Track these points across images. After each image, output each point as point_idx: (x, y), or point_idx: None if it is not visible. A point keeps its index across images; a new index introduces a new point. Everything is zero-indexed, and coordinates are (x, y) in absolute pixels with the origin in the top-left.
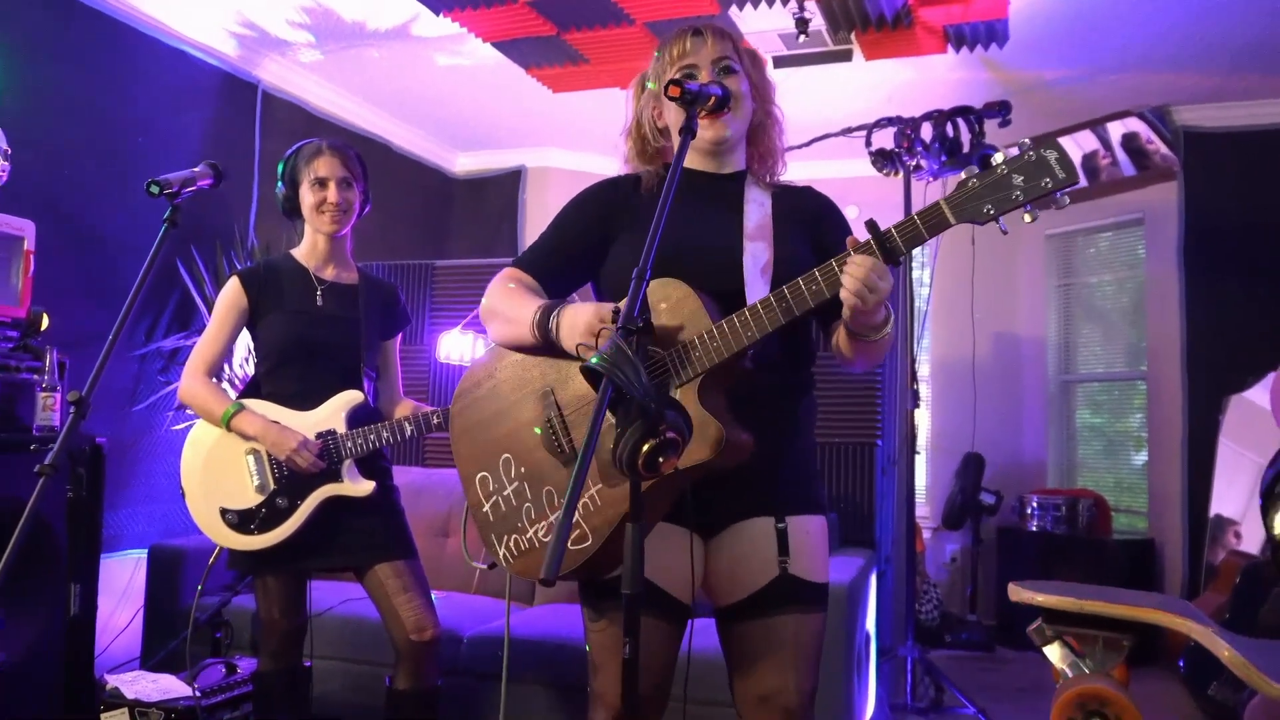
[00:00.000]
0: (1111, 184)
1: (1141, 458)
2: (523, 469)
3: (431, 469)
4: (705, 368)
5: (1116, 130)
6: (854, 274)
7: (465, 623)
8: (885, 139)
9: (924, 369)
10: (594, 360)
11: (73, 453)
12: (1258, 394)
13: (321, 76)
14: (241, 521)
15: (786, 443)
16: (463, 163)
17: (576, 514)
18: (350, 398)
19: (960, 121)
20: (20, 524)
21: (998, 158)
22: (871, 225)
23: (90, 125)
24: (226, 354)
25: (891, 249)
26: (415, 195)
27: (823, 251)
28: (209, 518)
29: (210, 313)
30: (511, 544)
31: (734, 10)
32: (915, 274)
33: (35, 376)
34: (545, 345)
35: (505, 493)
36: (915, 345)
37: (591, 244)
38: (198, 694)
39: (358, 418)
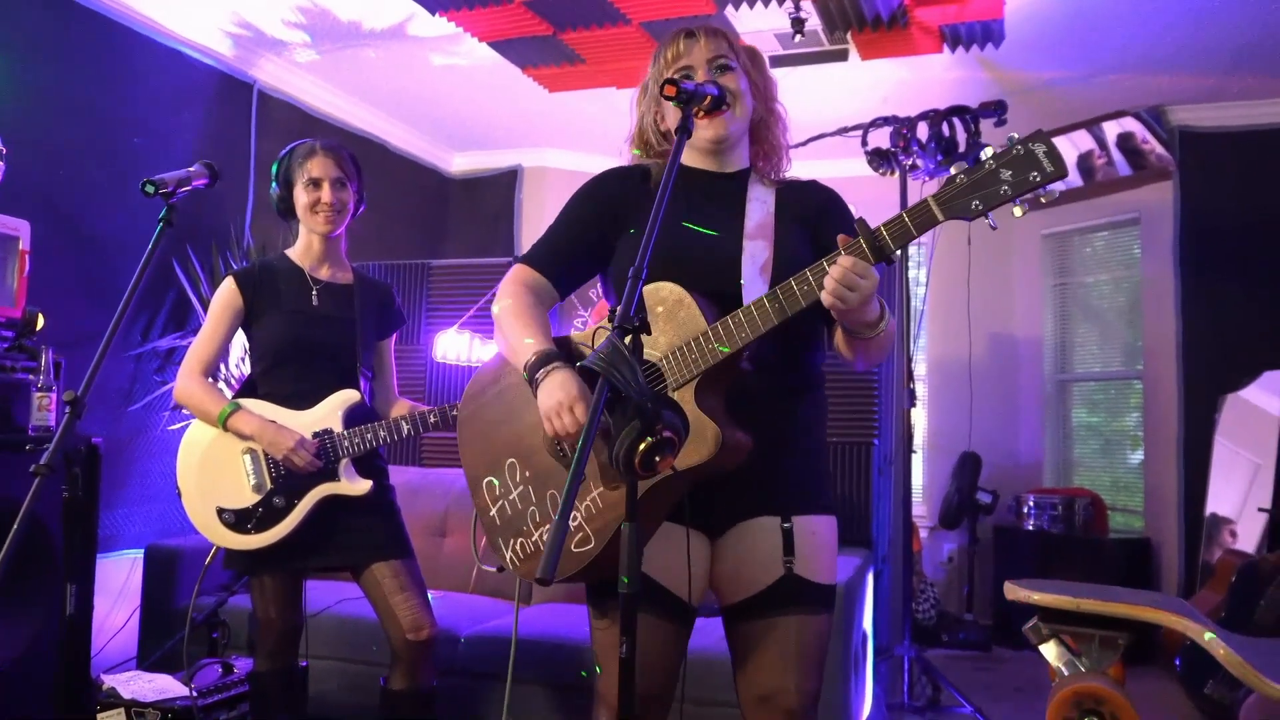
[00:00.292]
0: (1107, 184)
1: (1137, 457)
2: (528, 473)
3: (428, 469)
4: (701, 369)
5: (1112, 130)
6: (832, 274)
7: (463, 622)
8: (881, 139)
9: (920, 368)
10: (591, 360)
11: (68, 453)
12: (1253, 393)
13: (317, 76)
14: (238, 521)
15: (790, 442)
16: (459, 163)
17: (578, 517)
18: (347, 397)
19: (956, 121)
20: (16, 524)
21: (986, 153)
22: (861, 224)
23: (86, 125)
24: (222, 354)
25: (881, 247)
26: (411, 195)
27: (821, 247)
28: (205, 517)
29: (206, 313)
30: (517, 547)
31: (730, 10)
32: (911, 274)
33: (31, 376)
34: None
35: (511, 496)
36: (912, 345)
37: (599, 237)
38: (194, 694)
39: (354, 417)
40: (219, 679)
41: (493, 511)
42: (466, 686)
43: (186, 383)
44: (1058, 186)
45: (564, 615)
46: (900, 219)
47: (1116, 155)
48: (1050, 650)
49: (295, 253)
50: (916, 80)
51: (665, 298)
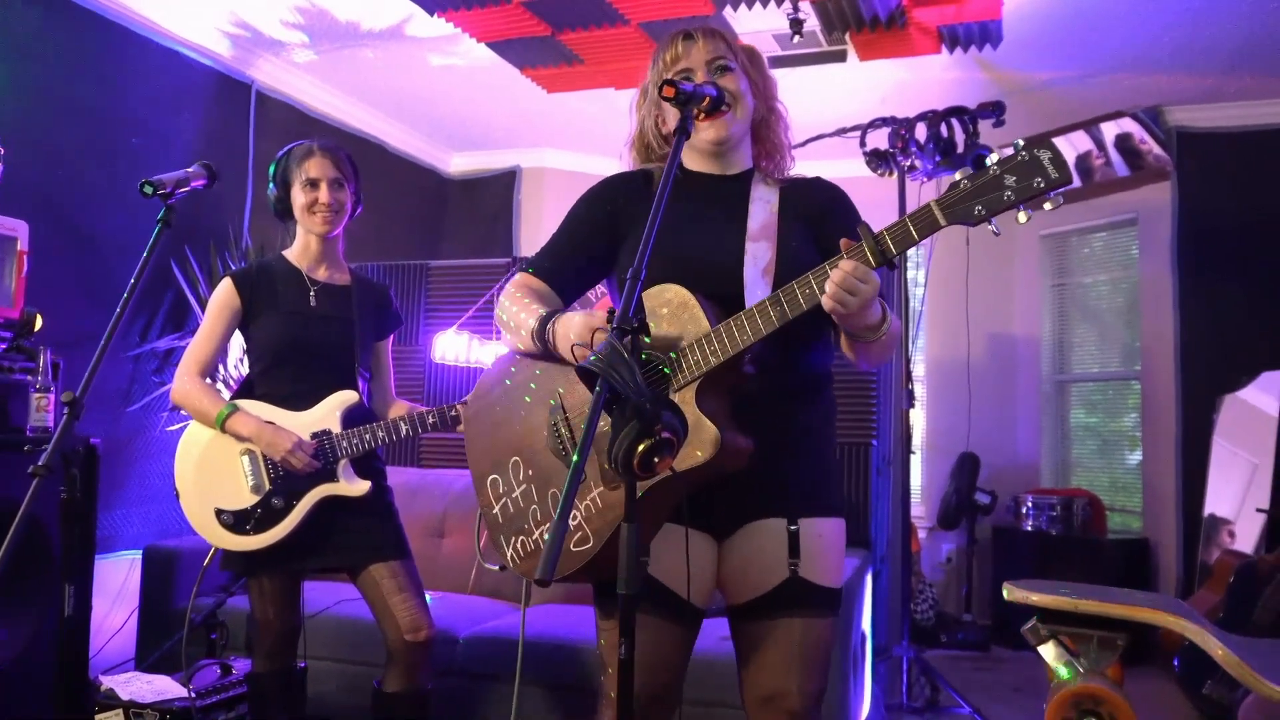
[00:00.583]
0: (1105, 184)
1: (1136, 457)
2: (530, 471)
3: (427, 470)
4: (702, 371)
5: (1110, 131)
6: (833, 278)
7: (461, 623)
8: (880, 139)
9: (919, 369)
10: (589, 360)
11: (67, 454)
12: (1251, 393)
13: (316, 77)
14: (237, 522)
15: (795, 444)
16: (457, 163)
17: (578, 516)
18: (345, 398)
19: (954, 122)
20: (14, 525)
21: (991, 158)
22: (863, 228)
23: (84, 125)
24: (220, 355)
25: (883, 251)
26: (410, 196)
27: (825, 247)
28: (204, 518)
29: (204, 313)
30: (518, 545)
31: (728, 11)
32: (910, 274)
33: (29, 377)
34: (545, 353)
35: (514, 495)
36: (910, 345)
37: (603, 243)
38: (193, 695)
39: (353, 418)
40: (217, 680)
41: (495, 509)
42: (465, 687)
43: (184, 384)
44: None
45: (563, 616)
46: (903, 223)
47: (1114, 156)
48: (1048, 651)
49: (293, 253)
50: (915, 81)
51: (670, 300)
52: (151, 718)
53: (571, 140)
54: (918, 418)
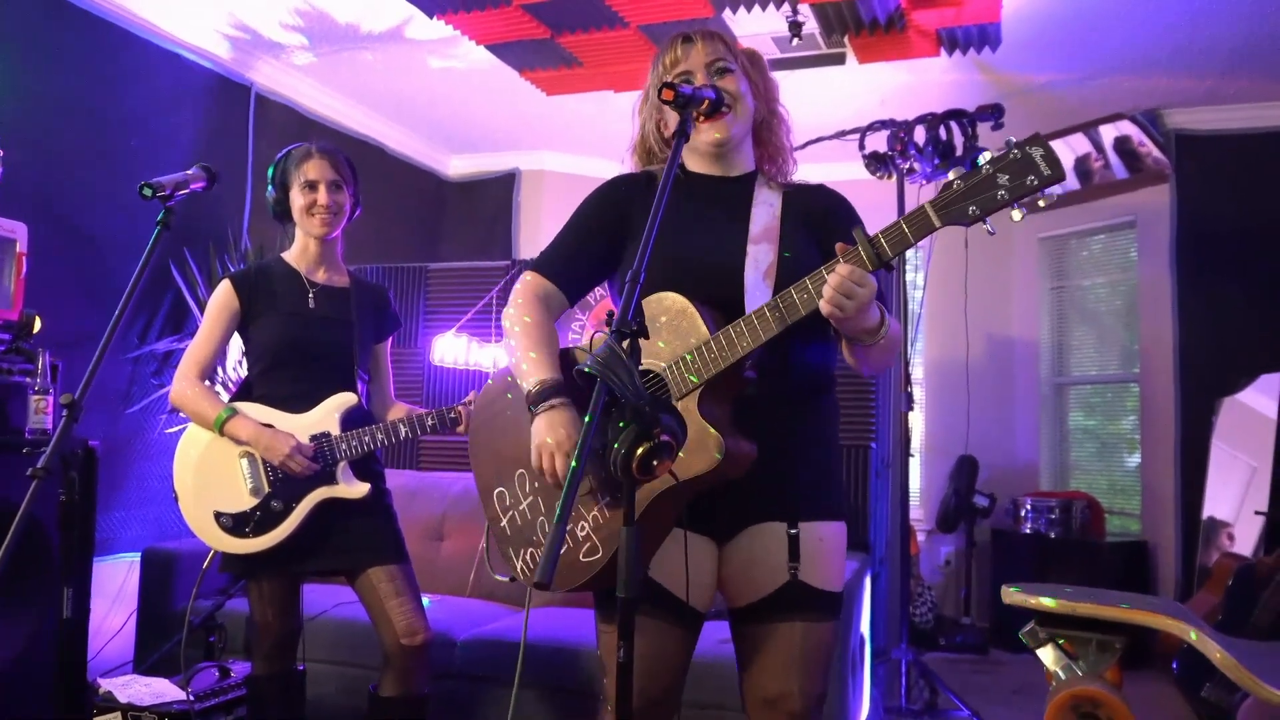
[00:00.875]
0: (1104, 187)
1: (1134, 460)
2: (536, 484)
3: (426, 472)
4: (704, 379)
5: (1109, 133)
6: (830, 282)
7: (459, 626)
8: (878, 142)
9: (918, 372)
10: (588, 363)
11: (65, 456)
12: (1250, 396)
13: (315, 79)
14: (236, 525)
15: (796, 448)
16: (456, 165)
17: (586, 527)
18: (344, 400)
19: (953, 124)
20: (13, 527)
21: (984, 157)
22: (858, 232)
23: (84, 127)
24: (219, 357)
25: (879, 254)
26: (409, 198)
27: (829, 253)
28: (203, 521)
29: (203, 315)
30: (528, 557)
31: (727, 13)
32: (909, 277)
33: (28, 379)
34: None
35: (521, 507)
36: (909, 348)
37: (607, 243)
38: (191, 698)
39: (352, 420)
40: (216, 683)
41: (503, 522)
42: (463, 690)
43: (182, 386)
44: (1055, 190)
45: (562, 619)
46: (898, 226)
47: (1113, 158)
48: (1047, 654)
49: (291, 255)
50: (913, 83)
51: (669, 307)
52: None
53: (570, 143)
54: (916, 420)
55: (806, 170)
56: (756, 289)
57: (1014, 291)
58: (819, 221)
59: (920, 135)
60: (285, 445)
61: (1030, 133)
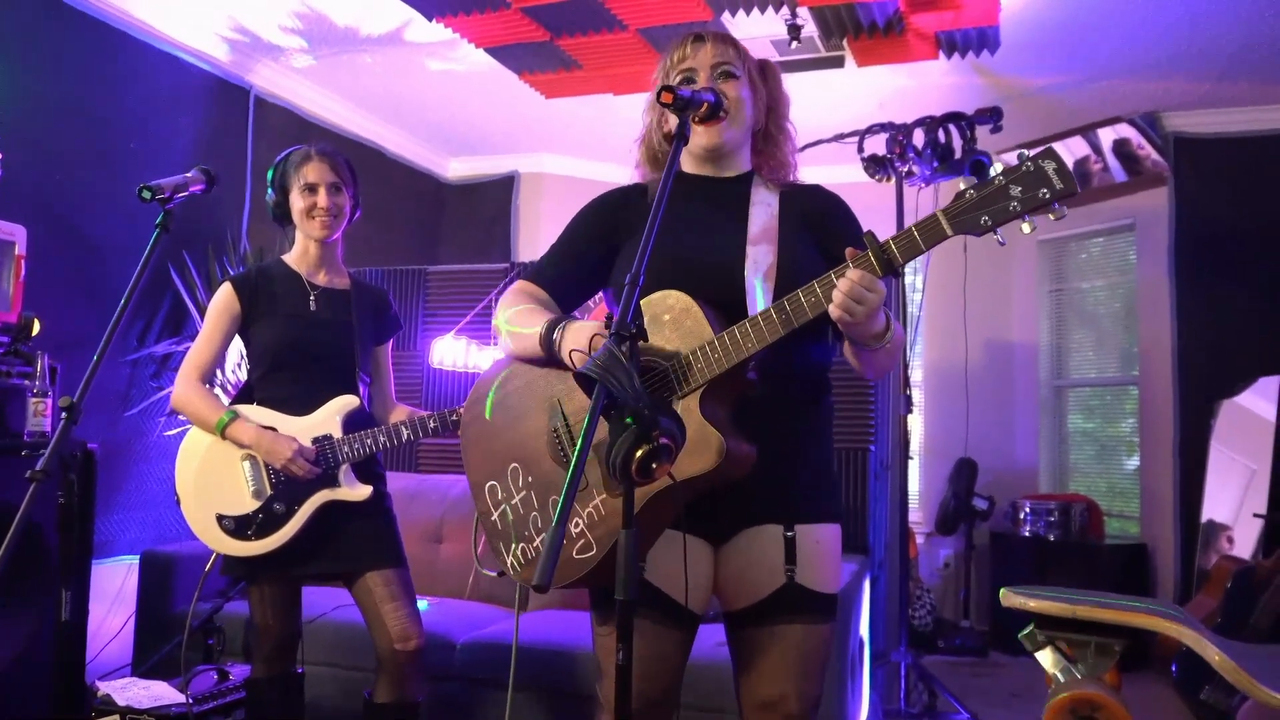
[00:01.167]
0: (1103, 189)
1: (1133, 462)
2: (530, 478)
3: (425, 475)
4: (706, 379)
5: (1107, 136)
6: (840, 287)
7: (458, 629)
8: (877, 145)
9: (917, 374)
10: (587, 365)
11: (64, 458)
12: (1248, 399)
13: (314, 81)
14: (238, 527)
15: (795, 450)
16: (456, 168)
17: (580, 524)
18: (346, 402)
19: (952, 127)
20: (12, 530)
21: (995, 168)
22: (869, 237)
23: (83, 130)
24: (220, 359)
25: (889, 260)
26: (408, 201)
27: (829, 253)
28: (205, 524)
29: (202, 318)
30: (519, 552)
31: (726, 16)
32: (908, 280)
33: (26, 382)
34: (550, 359)
35: (513, 501)
36: (909, 351)
37: (600, 253)
38: (190, 701)
39: (353, 422)
40: (214, 685)
41: (494, 516)
42: (462, 693)
43: (184, 389)
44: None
45: (561, 622)
46: (909, 233)
47: (1112, 161)
48: (1046, 656)
49: (292, 258)
50: (912, 86)
51: (672, 306)
52: None
53: (570, 145)
54: (915, 423)
55: (805, 173)
56: (756, 290)
57: (1013, 294)
58: (816, 223)
59: (919, 138)
60: (287, 449)
61: (1029, 135)
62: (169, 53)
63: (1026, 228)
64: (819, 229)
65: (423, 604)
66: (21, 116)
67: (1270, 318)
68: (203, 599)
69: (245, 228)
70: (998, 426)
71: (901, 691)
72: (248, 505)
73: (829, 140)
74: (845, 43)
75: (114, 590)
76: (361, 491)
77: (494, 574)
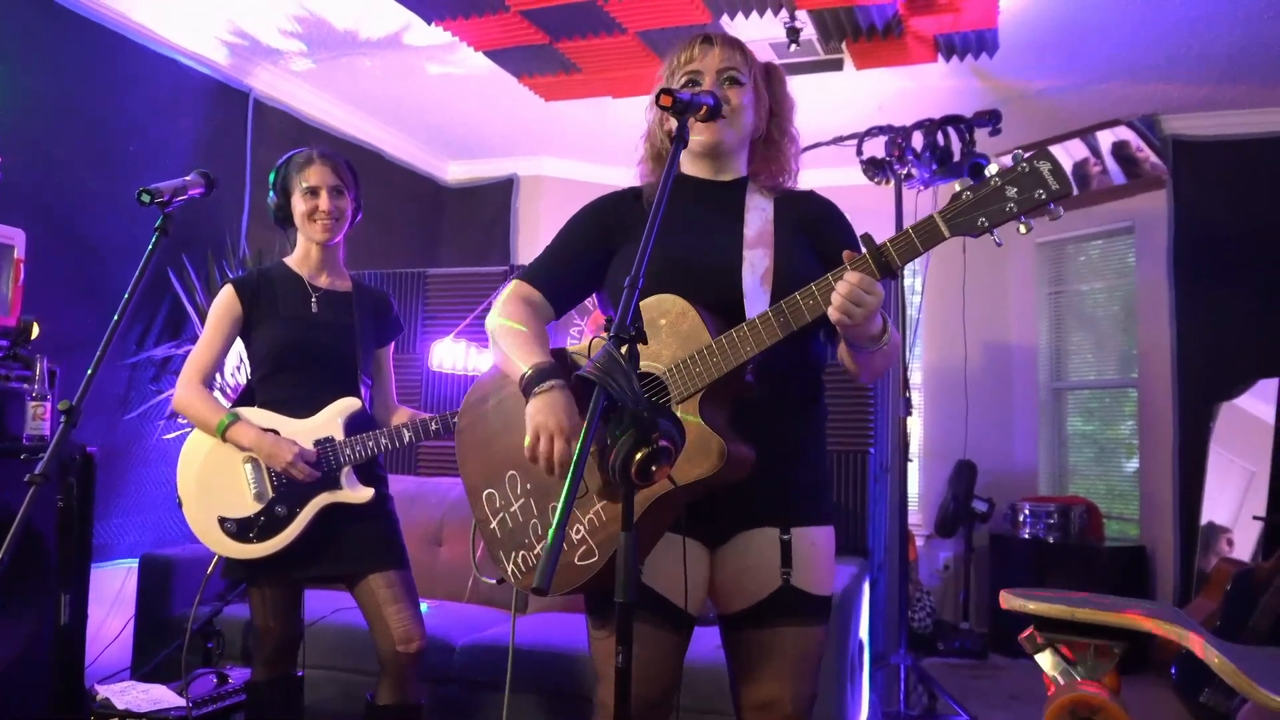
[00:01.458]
0: (1102, 192)
1: (1133, 464)
2: (528, 485)
3: (425, 478)
4: (705, 383)
5: (1106, 139)
6: (839, 290)
7: (458, 631)
8: (876, 148)
9: (916, 377)
10: (587, 368)
11: (63, 462)
12: (1248, 401)
13: (313, 85)
14: (240, 530)
15: (792, 453)
16: (455, 171)
17: (581, 530)
18: (347, 405)
19: (951, 130)
20: (11, 533)
21: (991, 169)
22: (866, 239)
23: (82, 133)
24: (221, 362)
25: (886, 262)
26: (407, 204)
27: (825, 258)
28: (206, 526)
29: (201, 321)
30: (519, 560)
31: (725, 19)
32: (907, 282)
33: (26, 385)
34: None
35: (512, 509)
36: (907, 353)
37: (595, 256)
38: (189, 704)
39: (355, 425)
40: (214, 689)
41: (493, 524)
42: (462, 696)
43: (185, 392)
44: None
45: (561, 624)
46: (907, 235)
47: (1111, 164)
48: (1046, 659)
49: (294, 260)
50: (911, 89)
51: (668, 310)
52: None
53: (569, 148)
54: (915, 425)
55: (805, 176)
56: (755, 293)
57: (1012, 296)
58: (811, 227)
59: (918, 141)
60: (288, 452)
61: (1028, 138)
62: (168, 56)
63: (1023, 229)
64: (814, 234)
65: (422, 607)
66: (21, 120)
67: (1269, 320)
68: (202, 602)
69: (244, 231)
70: (997, 429)
71: (901, 694)
72: (249, 508)
73: (828, 143)
74: (844, 45)
75: (113, 593)
76: (363, 494)
77: (493, 581)
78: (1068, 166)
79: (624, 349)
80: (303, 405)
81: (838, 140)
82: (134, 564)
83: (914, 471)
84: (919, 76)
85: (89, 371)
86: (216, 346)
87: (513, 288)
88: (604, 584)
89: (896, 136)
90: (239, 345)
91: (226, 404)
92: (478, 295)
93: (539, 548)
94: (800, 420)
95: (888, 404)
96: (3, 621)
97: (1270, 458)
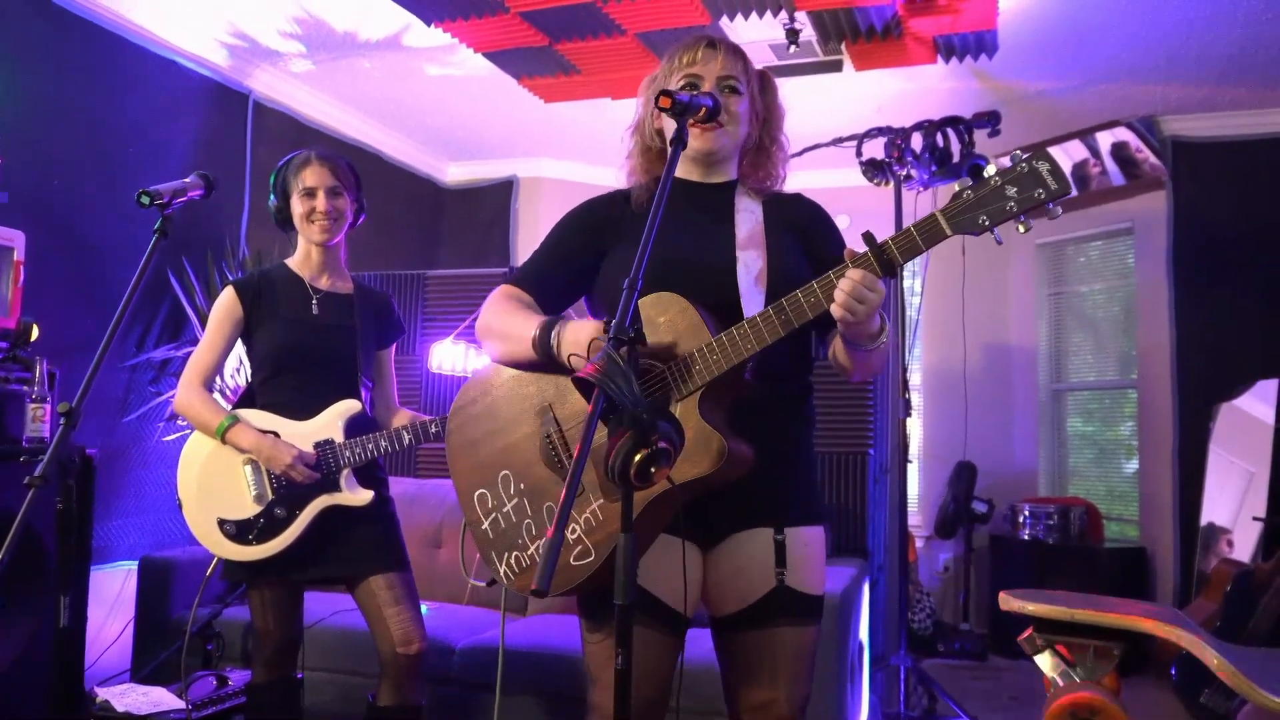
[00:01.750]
0: (1101, 193)
1: (1133, 465)
2: (522, 485)
3: (424, 479)
4: (706, 381)
5: (1106, 140)
6: (843, 287)
7: (457, 634)
8: (876, 149)
9: (916, 378)
10: (585, 370)
11: (63, 464)
12: (1247, 402)
13: (313, 86)
14: (240, 532)
15: (787, 453)
16: (454, 173)
17: (578, 530)
18: (348, 407)
19: (950, 131)
20: (10, 536)
21: (990, 169)
22: (868, 238)
23: (81, 135)
24: (222, 363)
25: (888, 261)
26: (407, 205)
27: (816, 259)
28: (206, 528)
29: (201, 323)
30: (512, 561)
31: (724, 20)
32: (906, 283)
33: (25, 387)
34: (546, 361)
35: (505, 510)
36: (907, 354)
37: (585, 260)
38: (189, 706)
39: (355, 427)
40: (214, 691)
41: (485, 525)
42: (461, 697)
43: (186, 394)
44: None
45: (559, 626)
46: (909, 233)
47: (1110, 165)
48: (1045, 660)
49: (294, 262)
50: (910, 91)
51: (667, 307)
52: None
53: (568, 150)
54: (914, 426)
55: (804, 177)
56: (750, 293)
57: (1011, 297)
58: (801, 229)
59: (917, 142)
60: (287, 455)
61: (1027, 139)
62: (168, 58)
63: (1021, 228)
64: (804, 235)
65: (422, 609)
66: (20, 121)
67: (1269, 320)
68: (201, 604)
69: (244, 233)
70: (997, 430)
71: (901, 695)
72: (249, 510)
73: (827, 144)
74: (843, 47)
75: (112, 596)
76: (363, 496)
77: (483, 584)
78: (1067, 167)
79: (623, 350)
80: (303, 407)
81: (837, 141)
82: (134, 566)
83: (914, 473)
84: (918, 78)
85: (88, 373)
86: (217, 348)
87: (501, 291)
88: (600, 585)
89: (896, 138)
90: (239, 347)
91: (227, 406)
92: (477, 297)
93: (533, 548)
94: (793, 419)
95: (887, 405)
96: (2, 623)
97: (1270, 458)
